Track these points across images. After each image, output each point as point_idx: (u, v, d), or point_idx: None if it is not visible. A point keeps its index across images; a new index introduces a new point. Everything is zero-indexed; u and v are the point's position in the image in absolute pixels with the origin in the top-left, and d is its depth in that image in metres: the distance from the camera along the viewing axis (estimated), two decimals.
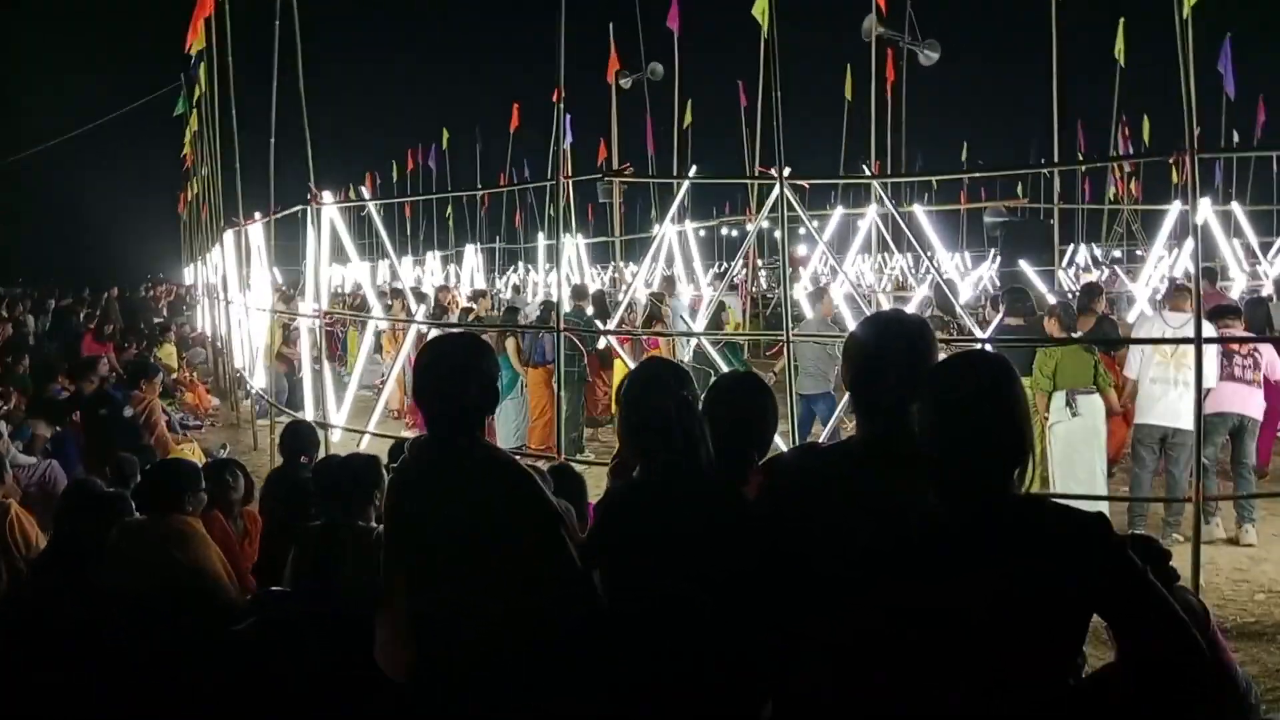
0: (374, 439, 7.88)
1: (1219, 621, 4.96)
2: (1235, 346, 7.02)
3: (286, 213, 9.37)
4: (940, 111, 28.79)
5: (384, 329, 10.87)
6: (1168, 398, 6.90)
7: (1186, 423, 6.79)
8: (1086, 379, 6.94)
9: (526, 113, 24.16)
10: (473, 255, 21.20)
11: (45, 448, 7.96)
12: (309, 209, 8.48)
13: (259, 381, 11.17)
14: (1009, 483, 1.95)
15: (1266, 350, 7.16)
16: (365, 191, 9.46)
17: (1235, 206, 13.57)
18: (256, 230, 10.86)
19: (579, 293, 10.33)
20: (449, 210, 30.90)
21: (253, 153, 10.80)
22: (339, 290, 20.38)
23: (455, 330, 6.33)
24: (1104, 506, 6.55)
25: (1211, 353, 6.89)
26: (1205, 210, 10.96)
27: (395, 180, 32.58)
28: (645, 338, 9.67)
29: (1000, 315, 8.14)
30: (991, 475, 1.93)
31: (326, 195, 8.50)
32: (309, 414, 8.55)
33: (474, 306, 11.49)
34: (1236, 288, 11.82)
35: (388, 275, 22.65)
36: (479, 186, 24.40)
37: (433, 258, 25.66)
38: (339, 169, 27.73)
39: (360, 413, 9.31)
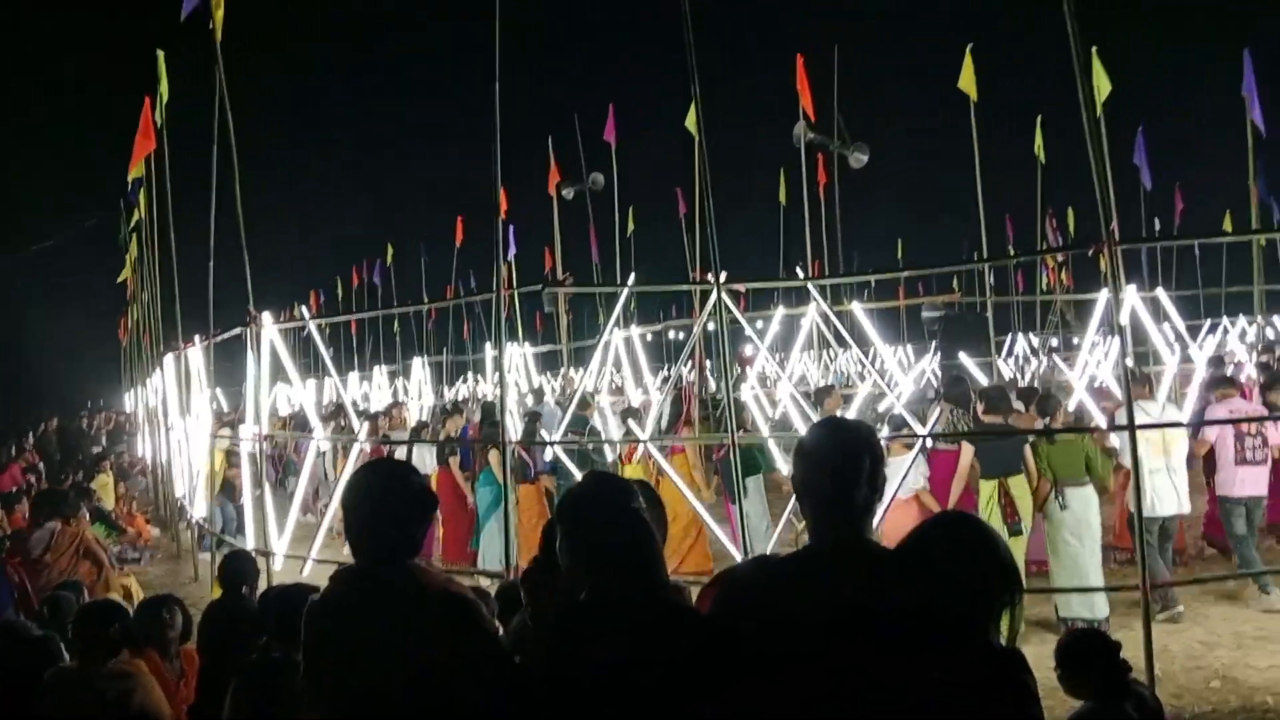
0: (317, 565, 7.67)
1: (1176, 712, 4.96)
2: (1244, 427, 7.17)
3: (226, 335, 9.29)
4: (874, 211, 29.66)
5: (325, 450, 10.70)
6: (1161, 485, 7.08)
7: (1183, 507, 7.02)
8: (1078, 470, 6.94)
9: (470, 226, 24.49)
10: (420, 368, 21.11)
11: None
12: (249, 330, 8.41)
13: (199, 510, 10.88)
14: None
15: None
16: (306, 311, 9.43)
17: (1160, 293, 14.00)
18: (196, 353, 10.74)
19: (583, 403, 10.28)
20: (396, 325, 30.91)
21: (193, 276, 10.77)
22: (291, 412, 20.11)
23: (379, 460, 6.24)
24: (1099, 596, 6.68)
25: (1225, 435, 7.12)
26: (1132, 298, 11.33)
27: (340, 297, 32.59)
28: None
29: (981, 412, 7.87)
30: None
31: (266, 316, 8.45)
32: (250, 542, 8.32)
33: (440, 425, 11.33)
34: (1168, 372, 12.14)
35: (332, 394, 22.41)
36: (424, 300, 24.44)
37: (379, 372, 25.49)
38: (282, 288, 27.68)
39: (303, 539, 9.08)
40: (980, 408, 7.73)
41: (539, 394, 16.68)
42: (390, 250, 30.02)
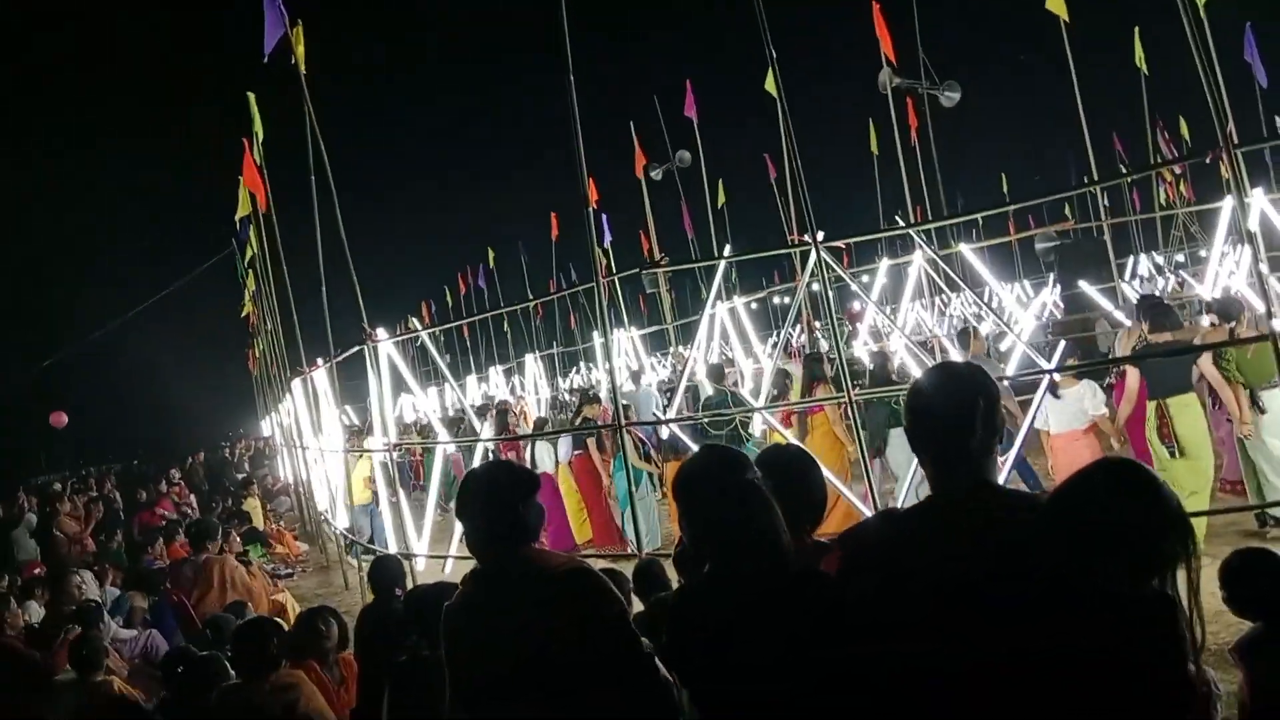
0: (457, 562, 7.91)
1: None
2: None
3: (345, 355, 9.64)
4: (973, 149, 28.76)
5: (452, 452, 11.00)
6: None
7: None
8: (1270, 372, 6.68)
9: (564, 220, 24.76)
10: (533, 364, 21.49)
11: (144, 618, 8.14)
12: (366, 347, 8.70)
13: (341, 522, 11.34)
14: None
15: None
16: (417, 322, 9.75)
17: None
18: (321, 375, 11.17)
19: (716, 373, 10.31)
20: (505, 324, 31.54)
21: (309, 303, 11.21)
22: (415, 419, 20.74)
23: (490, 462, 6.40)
24: None
25: None
26: (1260, 202, 10.67)
27: (450, 304, 33.42)
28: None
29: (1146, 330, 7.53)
30: None
31: (380, 332, 8.73)
32: (391, 547, 8.63)
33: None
34: None
35: (453, 399, 23.01)
36: (529, 297, 24.85)
37: (495, 372, 26.06)
38: (394, 303, 28.60)
39: (441, 540, 9.38)
40: (1145, 327, 7.40)
41: (636, 375, 16.68)
42: (491, 254, 30.64)
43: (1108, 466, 2.15)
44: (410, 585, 5.93)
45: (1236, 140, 6.42)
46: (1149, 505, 1.99)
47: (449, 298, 33.95)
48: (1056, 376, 7.37)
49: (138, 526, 13.61)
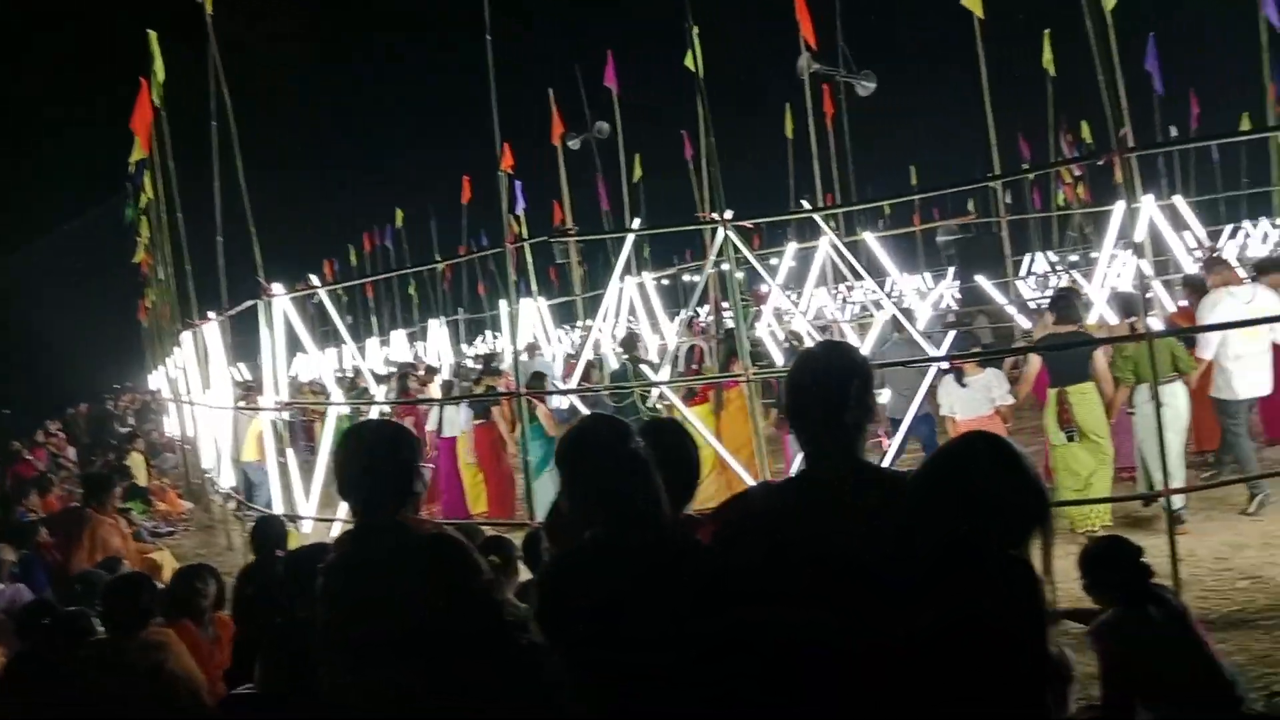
0: (345, 526, 7.76)
1: (1203, 614, 4.95)
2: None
3: (239, 309, 9.33)
4: (885, 140, 29.25)
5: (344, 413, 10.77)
6: (1253, 370, 7.20)
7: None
8: (1166, 367, 6.98)
9: (477, 184, 24.39)
10: (438, 329, 21.18)
11: (12, 571, 7.79)
12: (261, 302, 8.44)
13: (226, 481, 11.02)
14: None
15: None
16: (316, 279, 9.49)
17: (1178, 200, 13.78)
18: (212, 329, 10.81)
19: (628, 343, 10.24)
20: (411, 287, 30.98)
21: (205, 253, 10.82)
22: (312, 381, 20.26)
23: (367, 420, 6.32)
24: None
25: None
26: (1149, 206, 11.14)
27: (355, 264, 32.67)
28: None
29: (1051, 321, 7.86)
30: None
31: (276, 287, 8.47)
32: (277, 508, 8.43)
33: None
34: None
35: (350, 360, 22.58)
36: (435, 261, 24.46)
37: (397, 335, 25.62)
38: (296, 260, 27.80)
39: (332, 501, 9.18)
40: (1050, 318, 7.69)
41: (532, 348, 16.54)
42: (400, 214, 30.04)
43: (987, 439, 2.25)
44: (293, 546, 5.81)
45: (1131, 144, 6.68)
46: (1022, 477, 2.10)
47: (353, 257, 33.19)
48: (944, 365, 7.61)
49: (10, 478, 13.01)
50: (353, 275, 31.85)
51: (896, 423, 8.63)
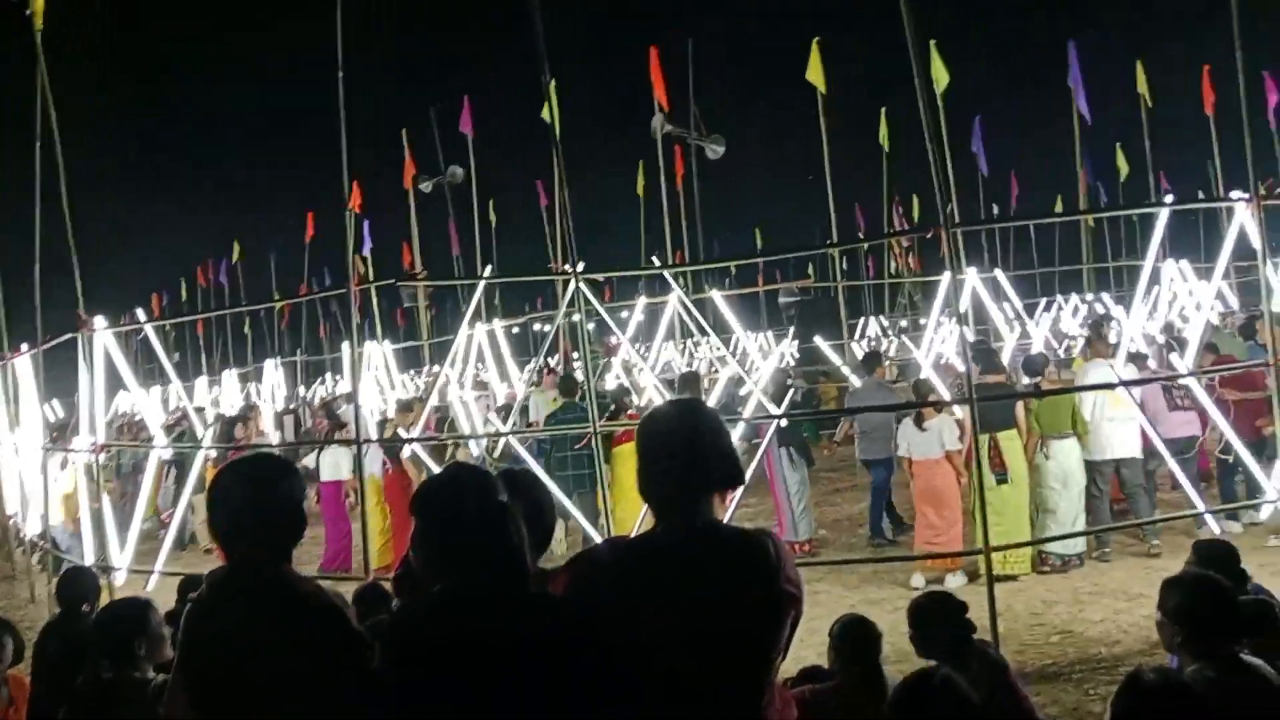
0: (164, 578, 7.29)
1: (1019, 666, 5.22)
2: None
3: (55, 342, 8.72)
4: (732, 201, 30.25)
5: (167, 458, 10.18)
6: (1116, 432, 7.85)
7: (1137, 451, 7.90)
8: (1063, 424, 7.67)
9: (322, 221, 23.76)
10: (273, 370, 20.37)
11: None
12: (80, 335, 7.92)
13: (32, 528, 10.19)
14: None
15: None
16: (142, 313, 8.96)
17: (999, 273, 14.78)
18: (24, 362, 10.05)
19: (568, 387, 9.93)
20: (247, 325, 29.72)
21: (21, 281, 10.10)
22: (128, 420, 19.04)
23: (252, 454, 6.01)
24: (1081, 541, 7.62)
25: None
26: (972, 279, 11.92)
27: (185, 299, 31.11)
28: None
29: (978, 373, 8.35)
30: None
31: (98, 320, 7.97)
32: (89, 558, 7.85)
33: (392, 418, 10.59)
34: (1008, 348, 12.83)
35: (178, 399, 21.40)
36: (274, 298, 23.58)
37: (229, 376, 24.45)
38: (122, 292, 26.28)
39: (149, 553, 8.64)
40: (977, 370, 8.07)
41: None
42: (238, 248, 28.88)
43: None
44: (105, 601, 5.41)
45: (956, 220, 7.13)
46: None
47: (184, 291, 31.60)
48: (783, 422, 7.90)
49: None
50: (183, 310, 30.33)
51: (867, 463, 9.30)
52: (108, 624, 3.72)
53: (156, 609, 3.86)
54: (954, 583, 7.24)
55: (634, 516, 7.53)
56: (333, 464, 9.88)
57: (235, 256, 28.83)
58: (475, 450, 9.29)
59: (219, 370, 26.58)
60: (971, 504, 7.55)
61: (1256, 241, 6.61)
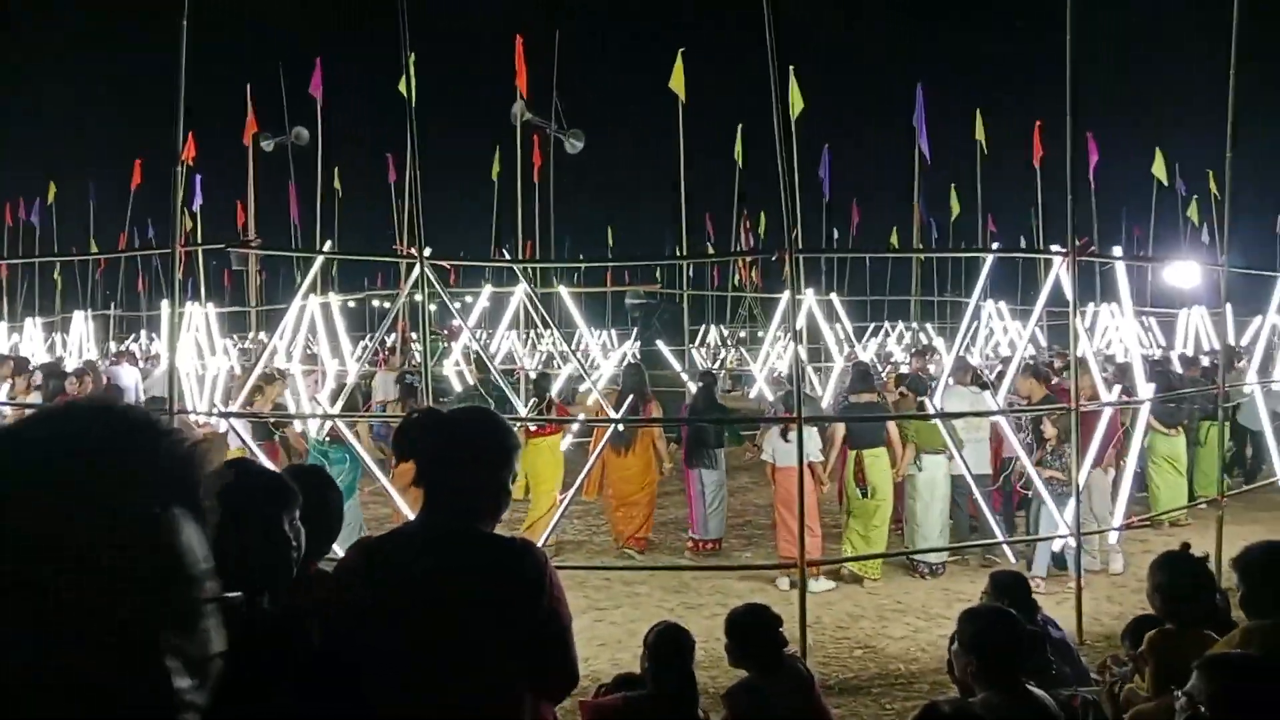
0: None
1: (823, 679, 5.44)
2: None
3: None
4: (586, 195, 30.30)
5: None
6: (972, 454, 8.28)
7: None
8: (937, 441, 8.12)
9: (151, 170, 22.31)
10: (82, 323, 19.00)
11: None
12: None
13: None
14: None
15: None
16: None
17: (834, 297, 15.41)
18: None
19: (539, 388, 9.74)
20: (57, 271, 27.61)
21: None
22: None
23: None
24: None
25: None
26: (809, 299, 12.35)
27: None
28: None
29: (850, 391, 8.88)
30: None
31: None
32: None
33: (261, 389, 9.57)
34: (836, 368, 13.38)
35: None
36: (92, 247, 22.01)
37: (32, 324, 22.63)
38: None
39: None
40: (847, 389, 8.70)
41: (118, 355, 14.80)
42: (53, 188, 26.77)
43: None
44: None
45: (800, 245, 7.35)
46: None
47: None
48: (622, 427, 7.94)
49: None
50: None
51: None
52: None
53: None
54: (819, 586, 7.63)
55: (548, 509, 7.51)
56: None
57: (50, 197, 26.71)
58: (300, 429, 8.89)
59: (20, 317, 24.57)
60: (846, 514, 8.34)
61: (1069, 292, 7.09)
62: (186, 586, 0.76)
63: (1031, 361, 10.00)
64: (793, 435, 8.39)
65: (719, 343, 24.12)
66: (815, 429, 8.38)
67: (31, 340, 21.67)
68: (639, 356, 20.16)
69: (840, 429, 8.49)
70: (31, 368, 11.33)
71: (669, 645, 3.99)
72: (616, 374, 16.00)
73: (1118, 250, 9.60)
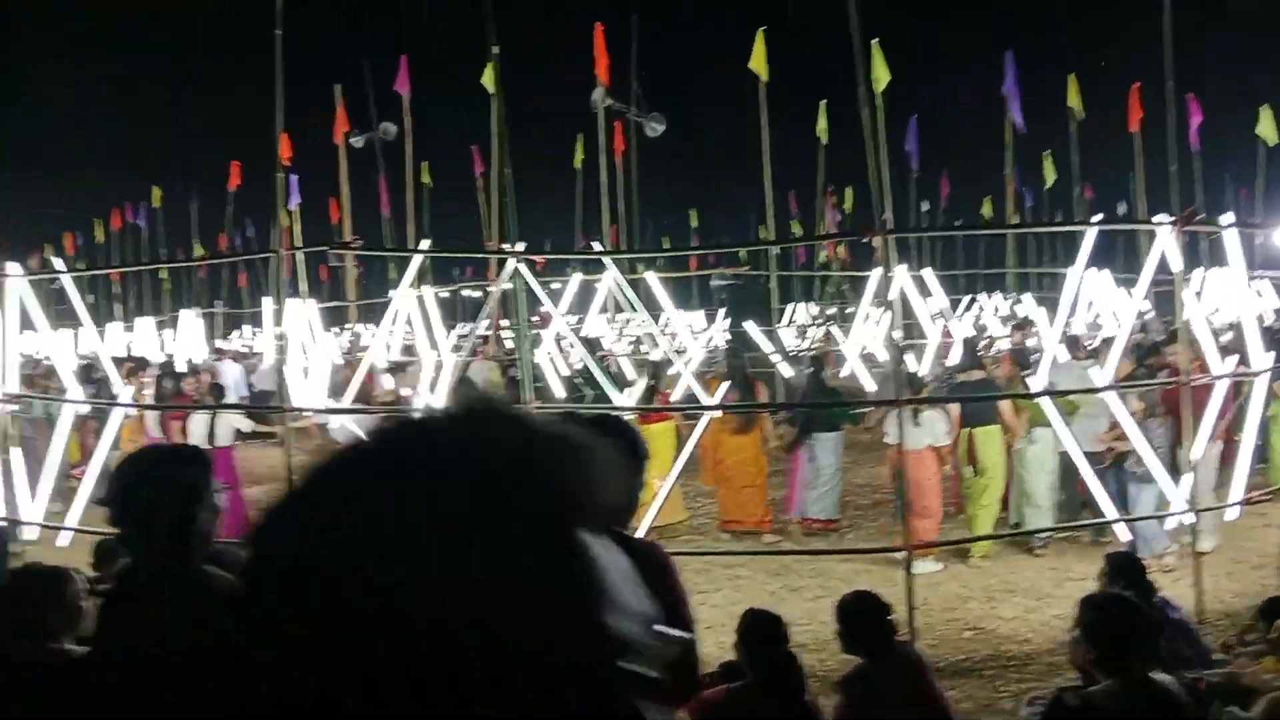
0: (79, 536, 7.06)
1: (934, 661, 5.41)
2: None
3: None
4: (668, 179, 30.24)
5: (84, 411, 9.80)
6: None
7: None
8: (1045, 417, 7.86)
9: (248, 171, 23.02)
10: (191, 320, 19.80)
11: None
12: None
13: None
14: None
15: None
16: (60, 262, 8.59)
17: (927, 272, 15.09)
18: None
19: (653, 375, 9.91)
20: (164, 272, 28.76)
21: None
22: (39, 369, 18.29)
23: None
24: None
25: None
26: (901, 277, 12.14)
27: (100, 241, 29.87)
28: None
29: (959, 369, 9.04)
30: None
31: (12, 267, 7.63)
32: None
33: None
34: (931, 344, 13.16)
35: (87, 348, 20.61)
36: (195, 247, 22.86)
37: (144, 324, 23.64)
38: (31, 228, 25.22)
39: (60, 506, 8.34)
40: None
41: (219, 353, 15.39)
42: (157, 192, 27.84)
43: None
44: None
45: (891, 225, 7.27)
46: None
47: (99, 232, 30.30)
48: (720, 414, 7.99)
49: None
50: (96, 252, 29.19)
51: None
52: (17, 597, 3.58)
53: (73, 578, 3.72)
54: (924, 568, 7.42)
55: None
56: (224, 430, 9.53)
57: (155, 201, 27.81)
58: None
59: (133, 316, 25.69)
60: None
61: (1176, 265, 6.85)
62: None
63: (1142, 336, 9.71)
64: (924, 417, 8.38)
65: (809, 320, 23.90)
66: (939, 411, 8.32)
67: (144, 339, 22.65)
68: (729, 338, 20.17)
69: (957, 408, 8.42)
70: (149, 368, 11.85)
71: (758, 632, 4.01)
72: (706, 358, 16.04)
73: (1225, 218, 9.20)
